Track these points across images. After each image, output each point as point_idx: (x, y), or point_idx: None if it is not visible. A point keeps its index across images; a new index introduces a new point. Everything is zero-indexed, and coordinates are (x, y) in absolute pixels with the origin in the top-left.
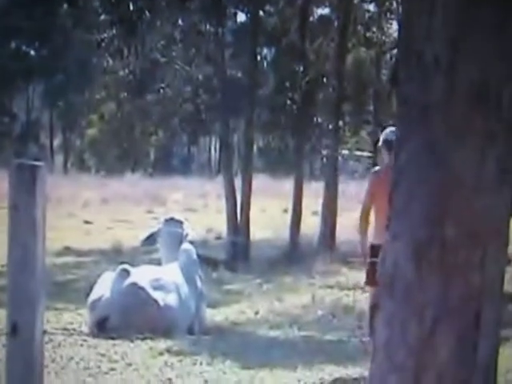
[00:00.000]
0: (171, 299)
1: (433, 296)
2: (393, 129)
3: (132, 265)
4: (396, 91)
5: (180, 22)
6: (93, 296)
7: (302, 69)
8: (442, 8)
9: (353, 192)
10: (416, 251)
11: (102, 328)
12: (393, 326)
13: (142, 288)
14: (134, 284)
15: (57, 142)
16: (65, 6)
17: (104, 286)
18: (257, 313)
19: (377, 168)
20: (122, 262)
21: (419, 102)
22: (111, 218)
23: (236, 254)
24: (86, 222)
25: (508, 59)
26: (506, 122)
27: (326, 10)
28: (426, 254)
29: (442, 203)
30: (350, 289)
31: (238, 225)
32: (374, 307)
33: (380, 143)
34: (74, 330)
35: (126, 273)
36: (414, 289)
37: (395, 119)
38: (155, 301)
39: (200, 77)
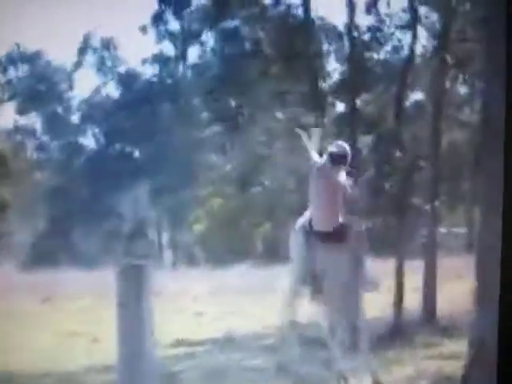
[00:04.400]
0: None
1: None
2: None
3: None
4: (480, 168)
5: (280, 115)
6: None
7: (399, 153)
8: None
9: (451, 267)
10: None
11: None
12: None
13: None
14: None
15: (165, 239)
16: (167, 105)
17: None
18: None
19: None
20: None
21: (501, 179)
22: (221, 309)
23: None
24: (197, 314)
25: None
26: None
27: (419, 95)
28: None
29: None
30: (452, 358)
31: None
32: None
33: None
34: None
35: None
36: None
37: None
38: None
39: (303, 167)
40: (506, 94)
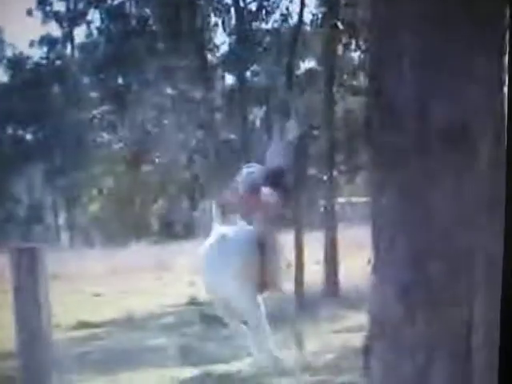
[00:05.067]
0: None
1: (423, 336)
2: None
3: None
4: (370, 138)
5: (169, 90)
6: None
7: (292, 123)
8: (411, 51)
9: (352, 238)
10: (403, 293)
11: None
12: (385, 369)
13: None
14: None
15: (61, 220)
16: (56, 86)
17: None
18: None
19: None
20: None
21: (394, 146)
22: (119, 289)
23: None
24: (96, 295)
25: (481, 97)
26: (483, 157)
27: (311, 63)
28: (413, 295)
29: (425, 243)
30: (357, 331)
31: None
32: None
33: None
34: None
35: None
36: (403, 331)
37: (371, 165)
38: None
39: (193, 142)
40: None
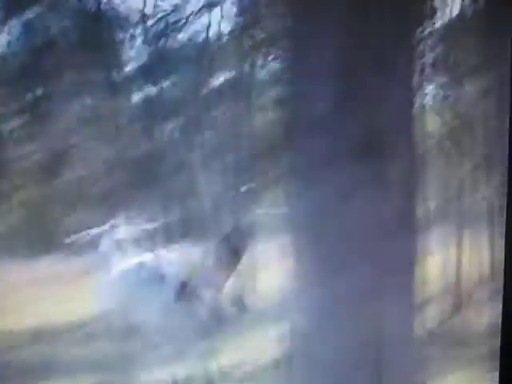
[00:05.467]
0: None
1: (335, 349)
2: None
3: None
4: (285, 151)
5: (87, 102)
6: None
7: (209, 136)
8: (326, 64)
9: (271, 250)
10: (318, 304)
11: None
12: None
13: None
14: None
15: None
16: None
17: None
18: None
19: None
20: None
21: (304, 163)
22: (37, 299)
23: None
24: (17, 303)
25: (391, 115)
26: (396, 171)
27: (229, 74)
28: (325, 307)
29: (339, 257)
30: (276, 341)
31: None
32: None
33: None
34: None
35: None
36: (318, 343)
37: (285, 178)
38: None
39: (111, 154)
40: None
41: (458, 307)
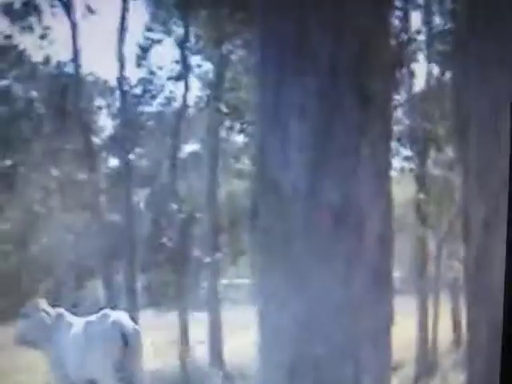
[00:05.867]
0: None
1: None
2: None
3: None
4: (255, 222)
5: (55, 172)
6: None
7: (176, 206)
8: (297, 134)
9: (236, 320)
10: (289, 374)
11: None
12: None
13: None
14: None
15: None
16: None
17: None
18: None
19: None
20: None
21: (280, 230)
22: (3, 365)
23: None
24: None
25: (368, 178)
26: (370, 238)
27: (195, 146)
28: (300, 373)
29: (310, 325)
30: None
31: None
32: None
33: None
34: None
35: None
36: None
37: (255, 249)
38: None
39: (79, 224)
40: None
41: (423, 375)
